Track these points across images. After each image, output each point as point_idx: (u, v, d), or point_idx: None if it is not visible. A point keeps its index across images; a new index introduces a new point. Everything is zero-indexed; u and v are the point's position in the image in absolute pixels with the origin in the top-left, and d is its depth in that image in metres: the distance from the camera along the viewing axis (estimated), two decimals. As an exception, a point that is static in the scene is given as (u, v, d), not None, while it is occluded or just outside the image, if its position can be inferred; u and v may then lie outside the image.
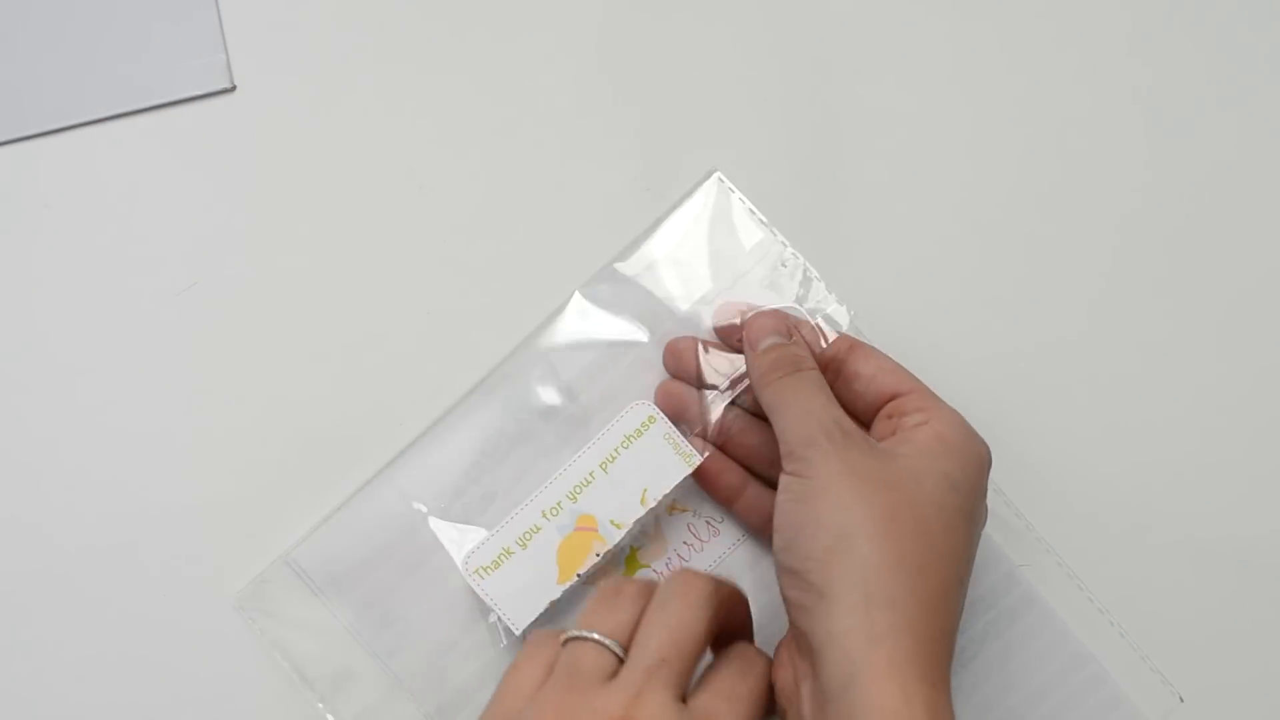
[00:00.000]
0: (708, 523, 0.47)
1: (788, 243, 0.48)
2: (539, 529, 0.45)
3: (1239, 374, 0.50)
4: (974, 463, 0.41)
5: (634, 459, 0.46)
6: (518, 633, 0.45)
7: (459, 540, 0.46)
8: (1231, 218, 0.51)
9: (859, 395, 0.44)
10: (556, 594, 0.44)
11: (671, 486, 0.45)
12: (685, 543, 0.47)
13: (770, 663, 0.40)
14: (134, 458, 0.48)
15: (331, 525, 0.46)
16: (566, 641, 0.37)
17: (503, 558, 0.45)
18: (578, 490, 0.46)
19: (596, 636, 0.37)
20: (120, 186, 0.50)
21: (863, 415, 0.44)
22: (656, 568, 0.46)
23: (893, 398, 0.43)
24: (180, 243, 0.49)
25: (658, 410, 0.46)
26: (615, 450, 0.46)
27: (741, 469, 0.46)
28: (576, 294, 0.48)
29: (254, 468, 0.48)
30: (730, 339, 0.47)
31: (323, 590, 0.46)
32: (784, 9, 0.51)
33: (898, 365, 0.44)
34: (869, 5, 0.52)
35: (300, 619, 0.46)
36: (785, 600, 0.39)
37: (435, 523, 0.46)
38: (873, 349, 0.44)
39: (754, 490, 0.46)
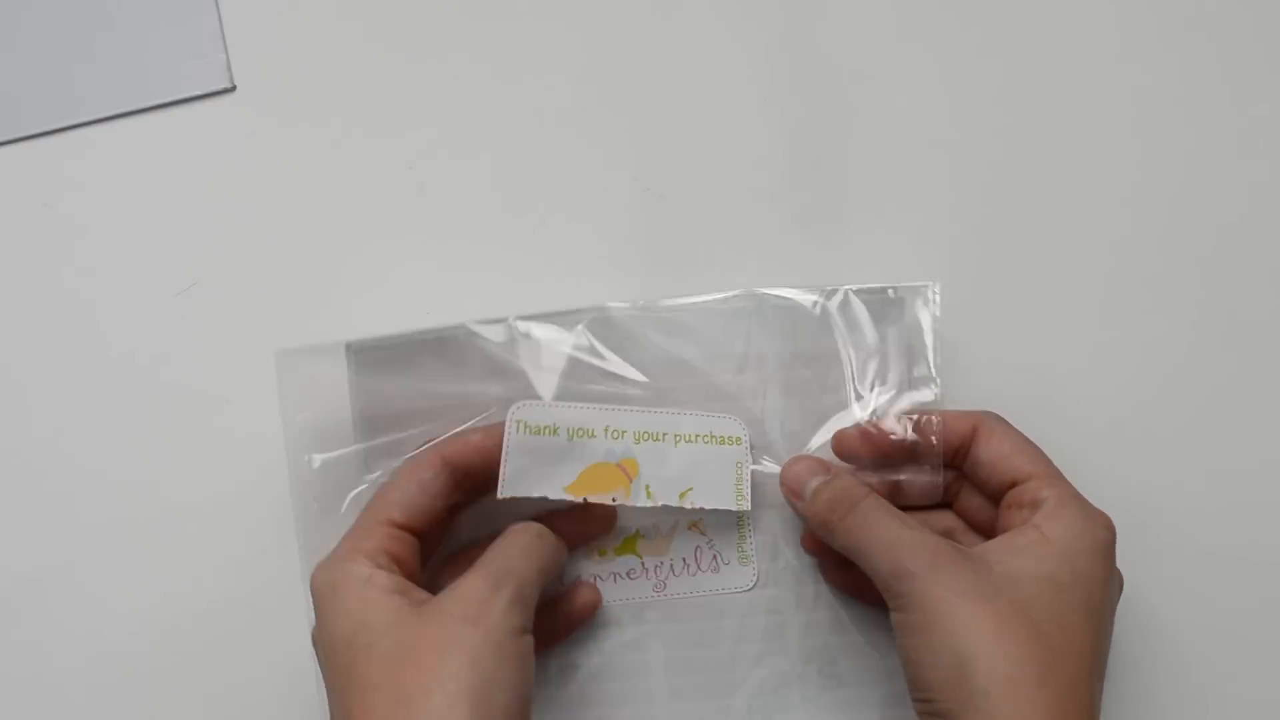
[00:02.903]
0: (714, 556, 0.46)
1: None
2: (593, 435, 0.44)
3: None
4: (1086, 555, 0.39)
5: (700, 457, 0.45)
6: (500, 496, 0.43)
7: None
8: None
9: (983, 483, 0.43)
10: (555, 495, 0.43)
11: (709, 508, 0.45)
12: (684, 559, 0.46)
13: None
14: (132, 459, 0.48)
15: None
16: None
17: (546, 431, 0.43)
18: (644, 437, 0.44)
19: None
20: (120, 186, 0.50)
21: (991, 500, 0.43)
22: (647, 564, 0.46)
23: (1013, 484, 0.42)
24: (180, 243, 0.49)
25: (748, 436, 0.45)
26: (694, 436, 0.45)
27: None
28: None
29: (251, 467, 0.47)
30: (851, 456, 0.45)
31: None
32: (784, 8, 0.51)
33: (1021, 445, 0.42)
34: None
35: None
36: None
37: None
38: (997, 427, 0.43)
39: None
